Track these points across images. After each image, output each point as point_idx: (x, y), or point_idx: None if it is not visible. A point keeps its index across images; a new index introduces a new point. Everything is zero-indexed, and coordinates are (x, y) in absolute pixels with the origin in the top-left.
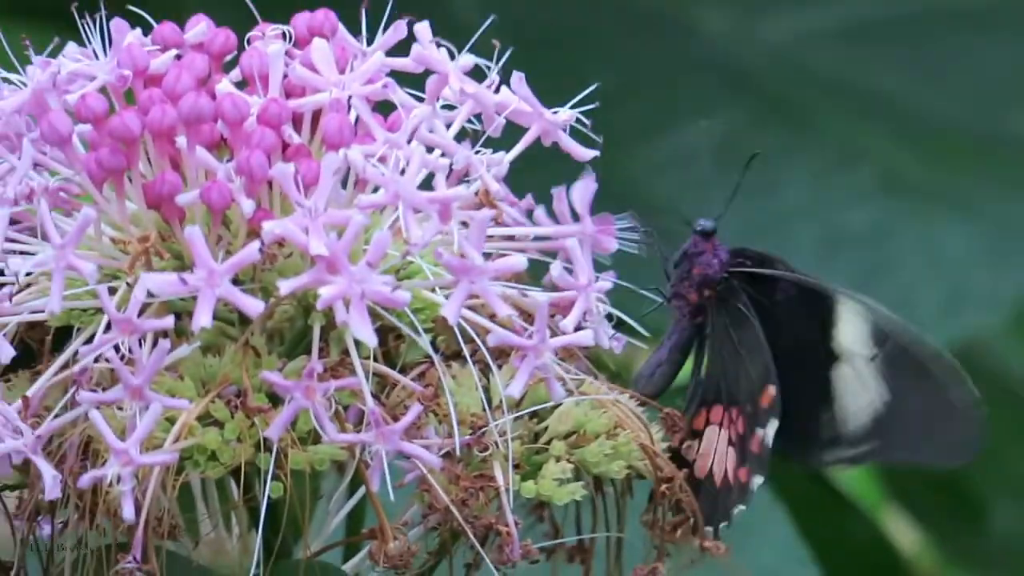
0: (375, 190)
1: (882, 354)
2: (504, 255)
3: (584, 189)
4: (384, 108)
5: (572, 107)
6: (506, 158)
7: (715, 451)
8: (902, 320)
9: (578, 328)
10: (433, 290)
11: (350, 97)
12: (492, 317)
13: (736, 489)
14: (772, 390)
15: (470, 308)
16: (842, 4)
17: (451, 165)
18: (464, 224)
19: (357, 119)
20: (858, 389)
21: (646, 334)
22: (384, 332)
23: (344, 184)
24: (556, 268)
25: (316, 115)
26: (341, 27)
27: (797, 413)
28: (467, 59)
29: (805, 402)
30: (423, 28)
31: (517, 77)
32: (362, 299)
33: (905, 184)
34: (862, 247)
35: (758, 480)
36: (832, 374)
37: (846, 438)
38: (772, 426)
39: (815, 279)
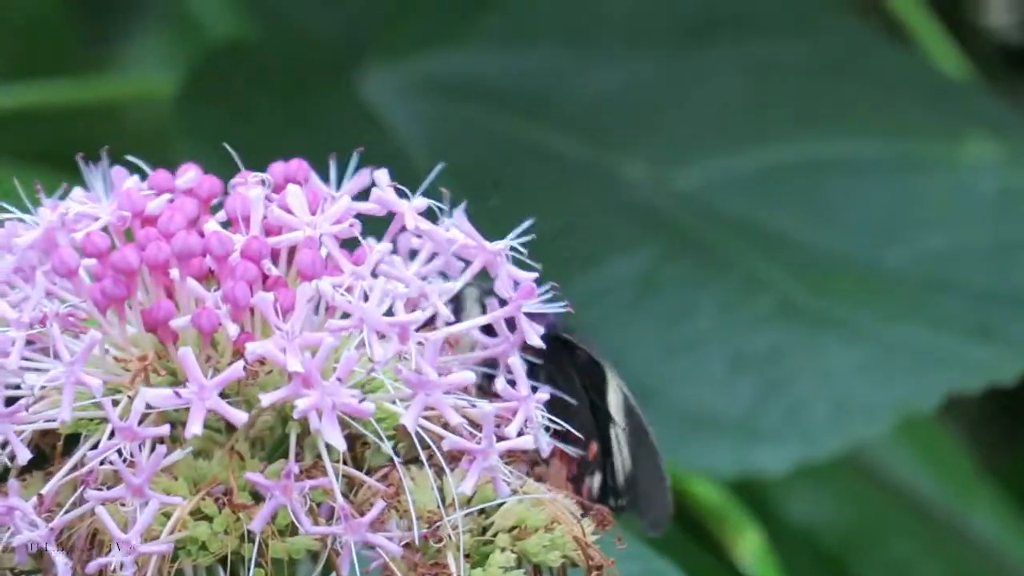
0: (343, 316)
1: (628, 427)
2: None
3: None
4: (349, 245)
5: (511, 239)
6: (454, 287)
7: (558, 479)
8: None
9: (520, 434)
10: (394, 402)
11: (321, 235)
12: (445, 425)
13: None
14: (595, 446)
15: (426, 418)
16: (746, 154)
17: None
18: (420, 344)
19: (327, 254)
20: (618, 450)
21: (580, 436)
22: (352, 439)
23: (316, 310)
24: (500, 383)
25: (291, 251)
26: (313, 174)
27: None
28: (420, 201)
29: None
30: (382, 175)
31: (459, 213)
32: (333, 410)
33: (799, 311)
34: (763, 366)
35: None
36: (610, 430)
37: (617, 489)
38: (596, 478)
39: (594, 352)
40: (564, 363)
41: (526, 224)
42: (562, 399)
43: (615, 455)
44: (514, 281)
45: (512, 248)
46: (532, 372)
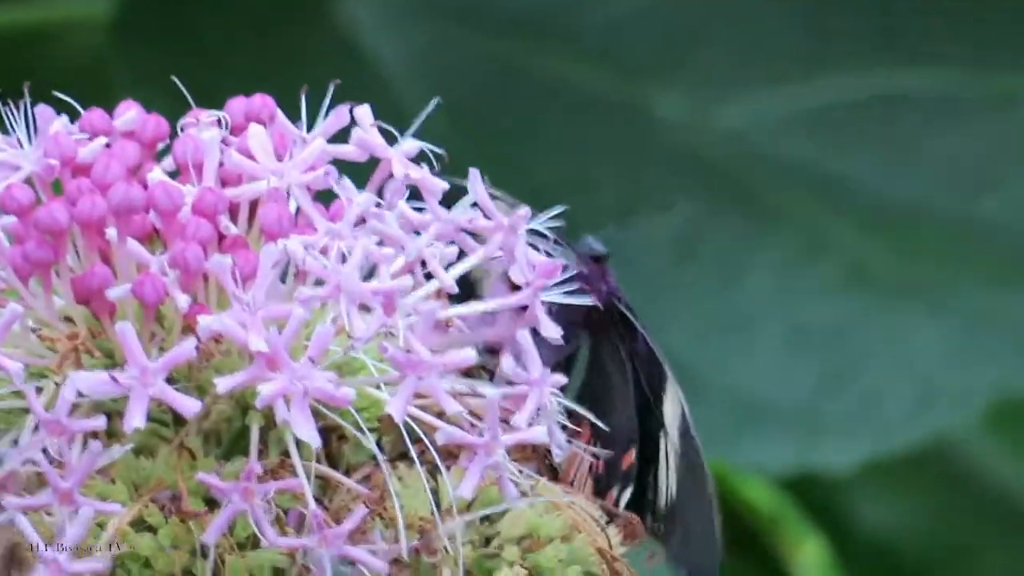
0: (317, 283)
1: (681, 451)
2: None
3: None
4: (324, 198)
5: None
6: (456, 270)
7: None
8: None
9: (531, 425)
10: (378, 387)
11: (290, 186)
12: (440, 415)
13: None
14: (632, 455)
15: (417, 406)
16: (807, 86)
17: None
18: (410, 316)
19: (297, 209)
20: (665, 466)
21: (606, 429)
22: (327, 432)
23: (284, 277)
24: (507, 362)
25: (253, 205)
26: (279, 113)
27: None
28: (410, 144)
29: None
30: (364, 112)
31: (473, 175)
32: (304, 397)
33: (872, 277)
34: (828, 344)
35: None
36: (660, 438)
37: (655, 507)
38: (627, 493)
39: (658, 347)
40: (615, 340)
41: (557, 211)
42: (602, 382)
43: (662, 469)
44: (532, 265)
45: (536, 232)
46: (570, 337)
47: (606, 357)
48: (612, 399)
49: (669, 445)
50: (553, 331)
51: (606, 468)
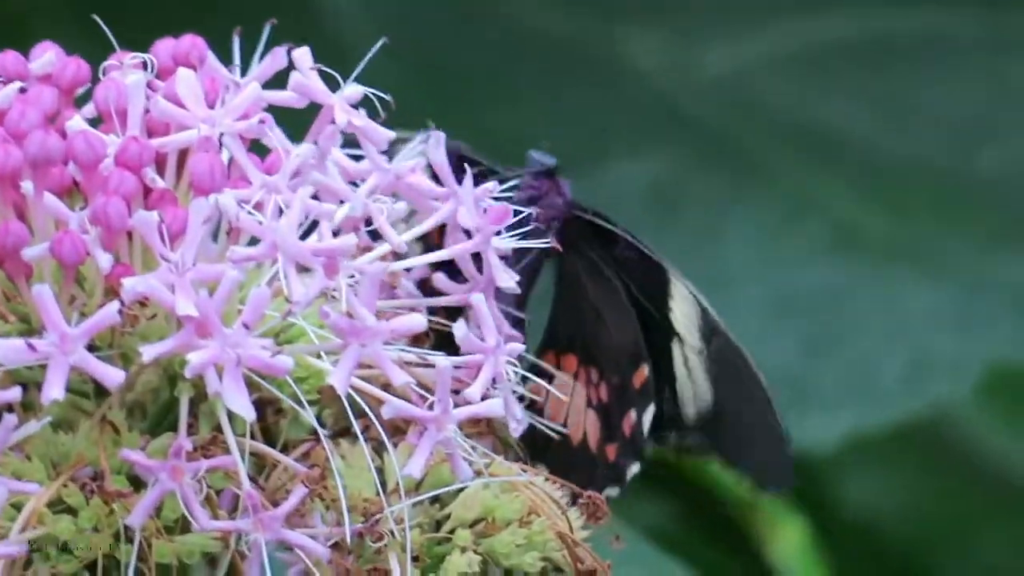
0: (252, 241)
1: (708, 351)
2: (399, 314)
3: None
4: (260, 148)
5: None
6: (407, 235)
7: (570, 405)
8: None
9: (485, 398)
10: (319, 356)
11: (221, 135)
12: (387, 387)
13: (603, 465)
14: (645, 371)
15: (361, 376)
16: (791, 29)
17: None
18: (353, 278)
19: (230, 160)
20: (688, 376)
21: (562, 398)
22: (263, 405)
23: (215, 235)
24: (460, 328)
25: (182, 156)
26: (210, 55)
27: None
28: (354, 89)
29: (656, 352)
30: (303, 55)
31: (435, 137)
32: (237, 366)
33: (861, 237)
34: (814, 310)
35: (633, 467)
36: (672, 348)
37: (682, 421)
38: (648, 413)
39: (649, 247)
40: (588, 253)
41: (516, 175)
42: (581, 302)
43: (680, 379)
44: (482, 209)
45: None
46: (535, 266)
47: (581, 272)
48: (601, 317)
49: (688, 351)
50: (508, 281)
51: (616, 393)
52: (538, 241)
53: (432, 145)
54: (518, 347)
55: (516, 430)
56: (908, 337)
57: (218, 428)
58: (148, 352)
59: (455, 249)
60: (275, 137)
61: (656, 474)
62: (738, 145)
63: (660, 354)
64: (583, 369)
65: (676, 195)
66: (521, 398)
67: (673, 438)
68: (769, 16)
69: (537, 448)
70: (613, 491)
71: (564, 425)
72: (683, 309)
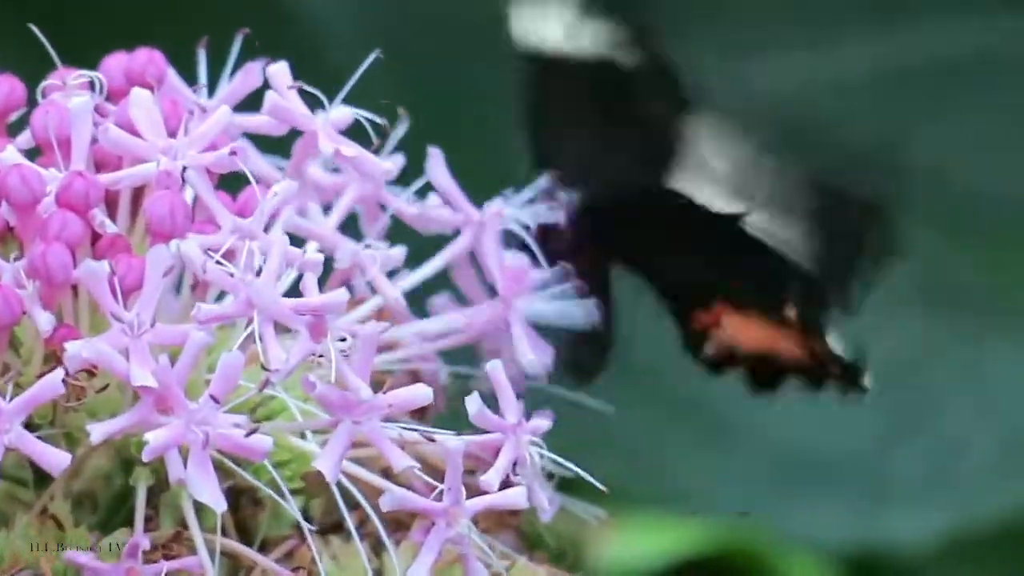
0: (220, 296)
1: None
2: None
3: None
4: (234, 183)
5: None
6: (412, 278)
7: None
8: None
9: (506, 485)
10: (303, 435)
11: (184, 169)
12: (386, 472)
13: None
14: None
15: (354, 459)
16: (859, 45)
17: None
18: (344, 341)
19: (195, 199)
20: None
21: (603, 489)
22: (236, 494)
23: (178, 289)
24: (474, 403)
25: (138, 195)
26: (171, 72)
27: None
28: (342, 112)
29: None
30: (280, 72)
31: (434, 155)
32: (205, 448)
33: (950, 292)
34: (894, 380)
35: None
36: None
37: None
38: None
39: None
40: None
41: (539, 183)
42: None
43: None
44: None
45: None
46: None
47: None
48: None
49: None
50: (533, 356)
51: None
52: (570, 305)
53: (433, 165)
54: (543, 424)
55: (545, 515)
56: (1004, 415)
57: (182, 522)
58: (97, 431)
59: (472, 311)
60: (250, 171)
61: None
62: None
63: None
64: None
65: None
66: (550, 476)
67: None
68: (830, 29)
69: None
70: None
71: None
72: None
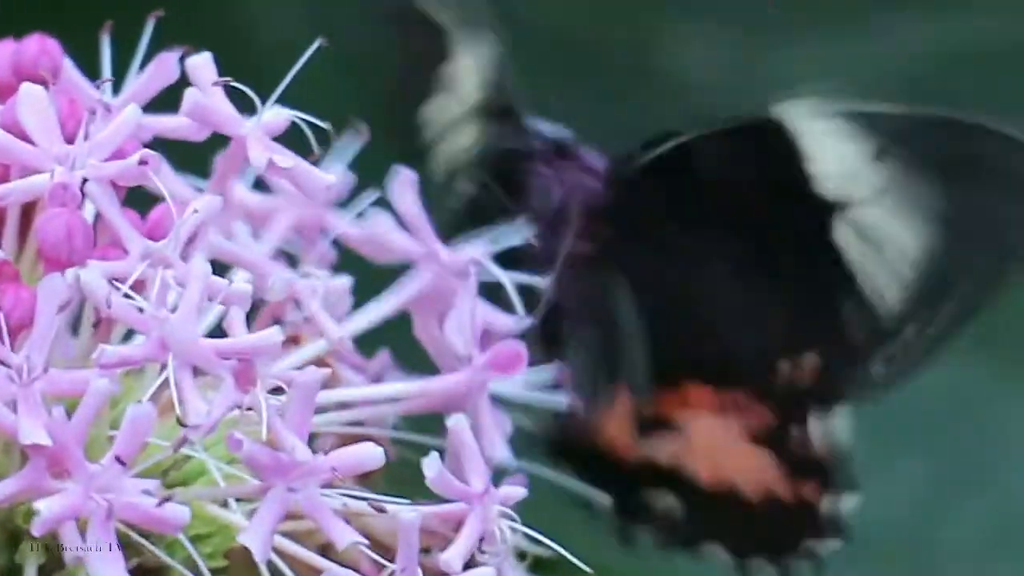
0: (128, 337)
1: (892, 170)
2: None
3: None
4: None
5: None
6: (360, 319)
7: (716, 451)
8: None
9: (470, 566)
10: (226, 503)
11: (84, 181)
12: (326, 549)
13: (799, 515)
14: (811, 358)
15: (287, 533)
16: (908, 30)
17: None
18: (278, 392)
19: (96, 218)
20: (871, 251)
21: (585, 569)
22: (146, 574)
23: (76, 327)
24: (433, 466)
25: (28, 212)
26: (68, 64)
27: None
28: (278, 115)
29: (816, 301)
30: (202, 63)
31: (402, 180)
32: (108, 519)
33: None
34: (944, 429)
35: (844, 501)
36: (833, 241)
37: (884, 330)
38: (836, 412)
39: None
40: (671, 228)
41: (513, 226)
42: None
43: (861, 267)
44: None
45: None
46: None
47: (654, 260)
48: (723, 310)
49: (859, 210)
50: (501, 451)
51: (776, 404)
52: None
53: (399, 188)
54: (517, 492)
55: None
56: None
57: None
58: None
59: (438, 381)
60: (162, 184)
61: None
62: None
63: (824, 264)
64: (717, 395)
65: None
66: (522, 556)
67: (883, 370)
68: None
69: (702, 530)
70: (835, 544)
71: (717, 483)
72: (831, 152)
